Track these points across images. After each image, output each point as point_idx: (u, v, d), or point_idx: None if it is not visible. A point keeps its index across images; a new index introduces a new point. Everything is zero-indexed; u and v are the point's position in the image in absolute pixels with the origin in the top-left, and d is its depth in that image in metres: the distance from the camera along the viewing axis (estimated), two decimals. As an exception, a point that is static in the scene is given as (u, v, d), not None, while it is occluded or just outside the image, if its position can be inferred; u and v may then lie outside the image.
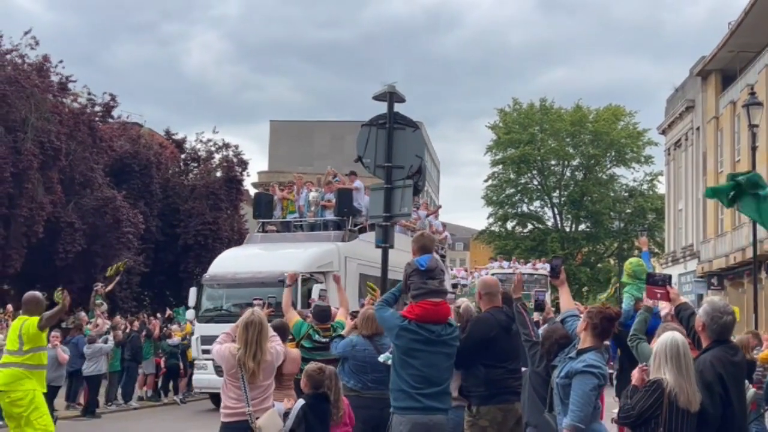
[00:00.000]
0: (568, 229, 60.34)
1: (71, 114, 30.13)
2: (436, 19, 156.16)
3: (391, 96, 11.42)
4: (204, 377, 18.05)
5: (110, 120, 34.26)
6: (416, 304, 5.82)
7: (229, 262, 19.23)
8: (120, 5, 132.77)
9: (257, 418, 6.00)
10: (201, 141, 39.98)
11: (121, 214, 29.71)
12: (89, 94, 32.52)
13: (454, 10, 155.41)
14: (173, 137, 39.98)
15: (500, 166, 59.39)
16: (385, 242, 11.54)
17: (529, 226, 61.09)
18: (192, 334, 19.54)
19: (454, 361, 6.00)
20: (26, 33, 29.33)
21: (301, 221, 20.44)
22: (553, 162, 59.65)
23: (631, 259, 8.74)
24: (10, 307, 20.38)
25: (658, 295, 5.87)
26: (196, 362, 18.95)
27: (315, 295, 16.35)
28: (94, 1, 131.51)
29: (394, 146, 11.28)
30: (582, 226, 60.82)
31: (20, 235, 27.32)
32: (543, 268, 37.94)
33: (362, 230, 19.89)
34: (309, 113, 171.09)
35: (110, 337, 18.23)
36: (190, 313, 19.14)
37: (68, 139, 28.81)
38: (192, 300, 18.85)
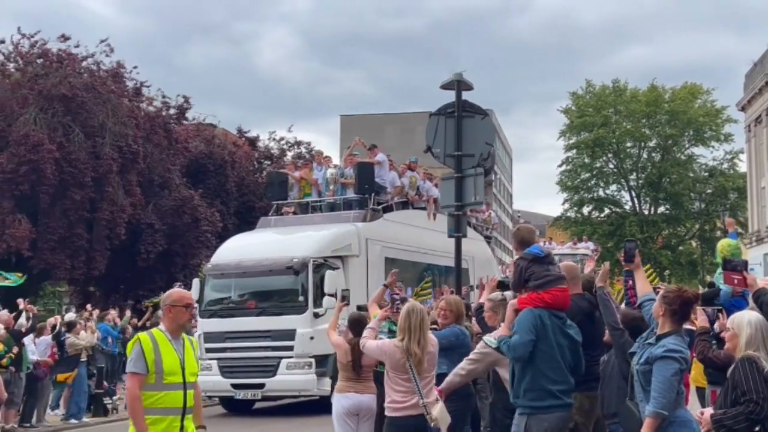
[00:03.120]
0: (646, 212, 59.04)
1: (147, 117, 30.89)
2: (507, 2, 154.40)
3: (458, 84, 11.35)
4: (209, 379, 15.23)
5: (185, 122, 34.99)
6: (544, 292, 5.73)
7: (234, 250, 17.03)
8: (191, 7, 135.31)
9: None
10: (274, 139, 40.54)
11: (199, 214, 30.32)
12: (164, 97, 33.36)
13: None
14: (246, 135, 40.59)
15: (574, 151, 58.47)
16: (457, 231, 11.45)
17: (606, 211, 59.98)
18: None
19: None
20: (102, 41, 30.20)
21: (319, 201, 18.25)
22: (628, 144, 58.41)
23: (726, 240, 8.43)
24: (89, 307, 20.91)
25: (735, 281, 5.70)
26: (199, 362, 17.12)
27: (329, 282, 15.22)
28: (165, 3, 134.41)
29: (463, 134, 11.22)
30: (661, 209, 59.43)
31: (103, 238, 28.15)
32: (585, 247, 35.78)
33: (387, 209, 17.99)
34: (381, 105, 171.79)
35: None
36: None
37: (145, 142, 29.54)
38: (195, 293, 16.18)
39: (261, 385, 15.53)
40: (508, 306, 6.10)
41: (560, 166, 59.17)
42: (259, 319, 15.64)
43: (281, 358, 15.31)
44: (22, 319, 15.03)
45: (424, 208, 19.35)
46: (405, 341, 5.94)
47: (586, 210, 60.23)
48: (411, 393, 5.96)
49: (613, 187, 59.88)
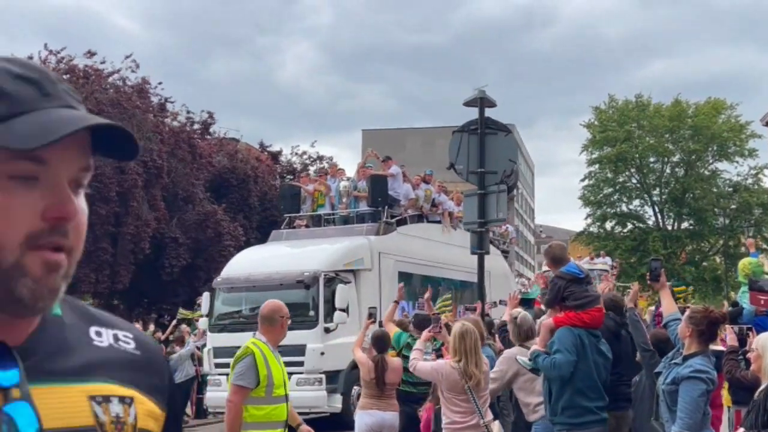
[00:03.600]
0: (670, 228, 58.65)
1: (171, 133, 31.17)
2: (530, 16, 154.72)
3: (481, 101, 11.40)
4: (218, 395, 14.93)
5: (208, 136, 35.25)
6: (584, 312, 5.77)
7: (244, 263, 16.87)
8: (215, 21, 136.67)
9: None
10: (296, 154, 40.72)
11: (222, 228, 30.50)
12: (188, 112, 33.64)
13: (548, 7, 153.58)
14: (268, 150, 40.80)
15: (597, 166, 58.27)
16: (480, 248, 11.47)
17: (629, 226, 59.65)
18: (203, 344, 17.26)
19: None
20: (127, 57, 30.55)
21: (332, 214, 18.04)
22: (651, 159, 58.15)
23: (747, 259, 8.40)
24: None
25: (762, 302, 5.68)
26: (209, 378, 16.27)
27: (340, 296, 14.97)
28: (189, 18, 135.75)
29: (486, 151, 11.25)
30: (685, 224, 59.02)
31: (127, 252, 28.37)
32: (603, 262, 35.07)
33: (401, 222, 17.76)
34: (402, 119, 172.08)
35: (190, 340, 17.92)
36: (203, 322, 16.91)
37: (169, 157, 29.79)
38: (205, 307, 16.53)
39: None
40: (542, 325, 6.11)
41: (583, 180, 59.01)
42: None
43: (291, 374, 14.58)
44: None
45: (439, 222, 19.15)
46: (462, 363, 5.89)
47: (609, 225, 59.93)
48: (470, 413, 5.95)
49: (636, 202, 59.60)
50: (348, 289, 15.32)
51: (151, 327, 22.76)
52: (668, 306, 5.91)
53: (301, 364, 14.83)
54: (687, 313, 5.21)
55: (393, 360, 7.90)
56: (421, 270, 17.86)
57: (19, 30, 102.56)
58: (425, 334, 7.03)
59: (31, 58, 29.80)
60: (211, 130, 35.49)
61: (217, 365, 15.51)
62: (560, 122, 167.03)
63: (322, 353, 14.94)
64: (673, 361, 5.08)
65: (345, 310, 14.92)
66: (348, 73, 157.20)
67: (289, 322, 6.02)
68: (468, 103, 11.56)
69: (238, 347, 16.13)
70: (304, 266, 15.39)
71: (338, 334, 15.02)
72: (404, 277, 16.87)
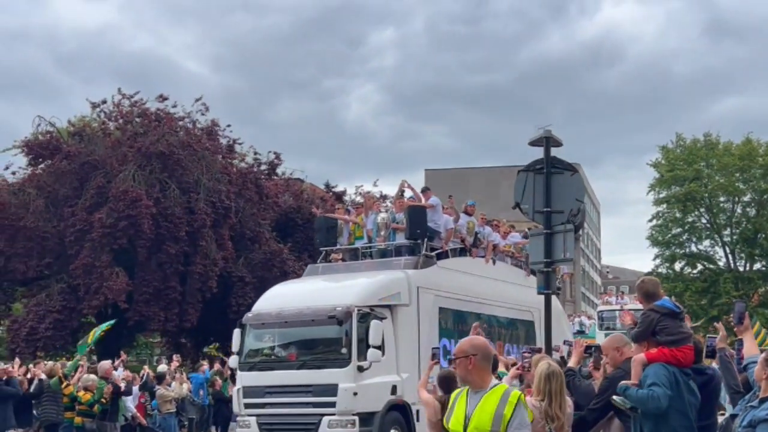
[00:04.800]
0: (741, 269, 57.15)
1: (239, 173, 31.81)
2: (596, 54, 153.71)
3: (547, 140, 11.39)
4: None
5: (275, 177, 35.83)
6: (677, 349, 5.72)
7: (276, 298, 15.93)
8: (282, 64, 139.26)
9: None
10: (360, 194, 41.03)
11: (288, 267, 30.82)
12: (255, 153, 34.33)
13: (614, 45, 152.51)
14: (333, 190, 41.26)
15: (664, 205, 57.30)
16: (547, 288, 11.39)
17: (699, 267, 58.31)
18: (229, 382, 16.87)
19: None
20: (197, 100, 31.40)
21: (370, 247, 17.01)
22: (722, 199, 56.92)
23: None
24: (176, 357, 21.28)
25: None
26: (238, 419, 15.50)
27: (374, 333, 14.03)
28: (257, 62, 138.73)
29: (552, 191, 11.22)
30: (757, 265, 57.43)
31: (196, 291, 28.87)
32: None
33: (441, 256, 16.78)
34: (465, 159, 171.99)
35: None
36: (233, 360, 15.94)
37: (237, 197, 30.36)
38: (235, 344, 15.52)
39: None
40: (634, 359, 5.98)
41: (650, 220, 58.05)
42: (300, 373, 14.53)
43: (322, 415, 14.04)
44: (121, 371, 15.51)
45: (483, 256, 18.14)
46: (545, 405, 5.75)
47: (678, 266, 58.70)
48: None
49: (706, 242, 58.28)
50: (383, 325, 14.41)
51: (217, 365, 23.03)
52: (750, 348, 5.81)
53: (332, 405, 13.99)
54: (763, 355, 5.11)
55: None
56: (463, 306, 16.95)
57: (95, 74, 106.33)
58: (513, 371, 6.96)
59: (105, 102, 30.86)
60: (277, 170, 36.07)
61: (247, 405, 14.80)
62: (627, 161, 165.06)
63: (355, 393, 14.01)
64: (750, 404, 4.98)
65: (380, 348, 14.09)
66: (412, 113, 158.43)
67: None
68: (533, 143, 11.56)
69: (268, 387, 14.66)
70: (337, 301, 14.51)
71: (372, 373, 14.23)
72: (445, 313, 16.13)
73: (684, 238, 58.03)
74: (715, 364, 9.01)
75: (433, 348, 11.47)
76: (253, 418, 14.69)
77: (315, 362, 14.61)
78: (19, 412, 14.72)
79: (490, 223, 18.98)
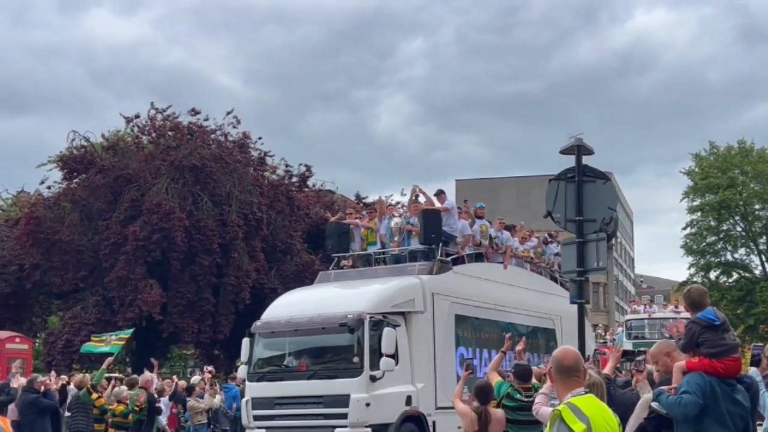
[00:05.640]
0: (778, 277, 56.33)
1: (270, 186, 32.03)
2: (627, 62, 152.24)
3: (578, 149, 11.34)
4: None
5: (306, 189, 36.02)
6: (718, 361, 5.68)
7: (286, 306, 15.33)
8: (312, 76, 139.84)
9: None
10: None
11: (319, 279, 30.91)
12: (286, 165, 34.55)
13: (646, 52, 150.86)
14: (363, 201, 41.36)
15: (698, 213, 56.70)
16: (580, 298, 11.32)
17: (735, 276, 57.57)
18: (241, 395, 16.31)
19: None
20: (228, 113, 31.71)
21: (383, 253, 16.35)
22: (757, 206, 56.18)
23: None
24: (207, 368, 21.37)
25: None
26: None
27: (387, 341, 13.41)
28: (288, 74, 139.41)
29: (584, 199, 11.16)
30: (794, 274, 56.60)
31: (228, 303, 29.07)
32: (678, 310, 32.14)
33: (457, 261, 16.02)
34: (496, 168, 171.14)
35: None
36: (241, 370, 15.44)
37: (269, 209, 30.56)
38: (244, 354, 14.96)
39: None
40: (675, 366, 5.96)
41: (684, 229, 57.46)
42: (310, 383, 13.90)
43: (334, 427, 13.46)
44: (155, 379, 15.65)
45: (501, 262, 17.42)
46: None
47: (713, 275, 58.00)
48: None
49: (742, 250, 57.50)
50: (397, 333, 13.76)
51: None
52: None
53: (344, 416, 13.34)
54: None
55: (496, 411, 7.81)
56: (481, 313, 16.30)
57: (129, 89, 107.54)
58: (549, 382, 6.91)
59: (138, 116, 31.27)
60: (308, 182, 36.25)
61: (256, 417, 14.14)
62: (661, 169, 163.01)
63: (368, 404, 13.35)
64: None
65: (393, 357, 13.48)
66: (442, 123, 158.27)
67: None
68: (565, 151, 11.52)
69: (278, 398, 14.13)
70: (349, 308, 13.89)
71: (386, 383, 13.58)
72: (462, 320, 15.55)
73: (719, 246, 57.34)
74: (756, 372, 8.89)
75: (467, 359, 11.35)
76: (263, 430, 14.16)
77: (326, 372, 14.02)
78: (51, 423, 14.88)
79: (508, 229, 18.29)
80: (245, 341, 14.88)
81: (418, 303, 14.55)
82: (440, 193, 16.44)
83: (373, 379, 13.43)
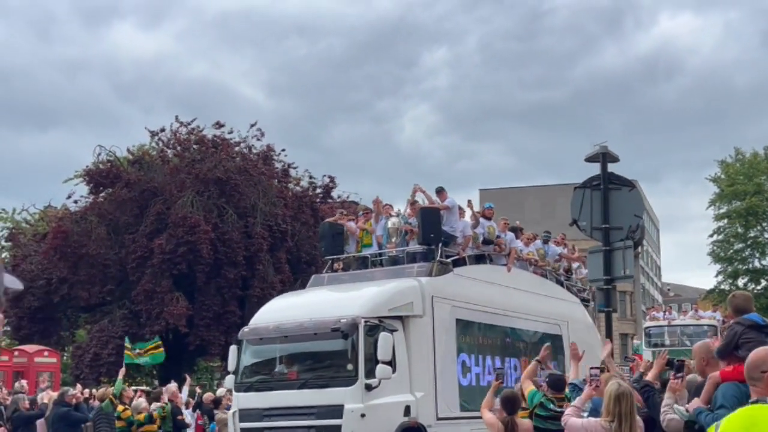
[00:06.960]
0: (807, 284, 55.65)
1: (295, 197, 32.14)
2: (653, 68, 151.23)
3: (604, 156, 11.31)
4: None
5: (330, 200, 36.11)
6: None
7: (276, 311, 14.34)
8: (335, 87, 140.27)
9: None
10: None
11: (344, 290, 30.95)
12: (310, 177, 34.65)
13: (672, 58, 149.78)
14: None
15: (725, 220, 56.21)
16: (607, 306, 11.26)
17: (763, 283, 56.96)
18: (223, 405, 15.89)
19: None
20: (252, 125, 31.91)
21: (380, 254, 15.47)
22: (785, 213, 55.63)
23: None
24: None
25: None
26: None
27: (383, 347, 12.50)
28: (311, 86, 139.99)
29: (610, 207, 11.13)
30: (824, 280, 55.89)
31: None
32: (711, 316, 31.36)
33: (458, 262, 15.09)
34: (521, 177, 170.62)
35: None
36: (228, 380, 14.46)
37: (293, 221, 30.66)
38: (231, 363, 14.01)
39: None
40: (709, 377, 5.82)
41: (711, 236, 56.97)
42: (301, 393, 12.94)
43: None
44: (186, 393, 15.71)
45: (504, 264, 16.55)
46: (615, 426, 5.61)
47: (741, 282, 57.41)
48: None
49: (770, 257, 56.95)
50: (394, 338, 12.84)
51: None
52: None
53: (338, 428, 12.40)
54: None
55: (523, 422, 7.74)
56: (483, 318, 15.44)
57: (153, 103, 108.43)
58: (588, 390, 6.82)
59: (163, 130, 31.52)
60: (332, 193, 36.34)
61: (244, 430, 13.20)
62: (688, 176, 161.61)
63: (363, 415, 12.42)
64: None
65: (390, 364, 12.60)
66: (466, 132, 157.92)
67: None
68: (590, 159, 11.49)
69: (266, 409, 13.25)
70: (342, 312, 12.99)
71: (382, 392, 12.66)
72: (463, 325, 14.69)
73: (747, 253, 56.79)
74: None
75: (497, 368, 11.10)
76: None
77: (318, 381, 13.03)
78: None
79: (513, 230, 17.48)
80: (232, 349, 14.16)
81: (417, 306, 13.63)
82: (441, 191, 15.57)
83: (368, 388, 12.56)
